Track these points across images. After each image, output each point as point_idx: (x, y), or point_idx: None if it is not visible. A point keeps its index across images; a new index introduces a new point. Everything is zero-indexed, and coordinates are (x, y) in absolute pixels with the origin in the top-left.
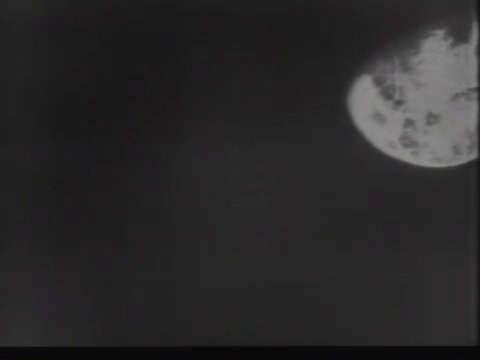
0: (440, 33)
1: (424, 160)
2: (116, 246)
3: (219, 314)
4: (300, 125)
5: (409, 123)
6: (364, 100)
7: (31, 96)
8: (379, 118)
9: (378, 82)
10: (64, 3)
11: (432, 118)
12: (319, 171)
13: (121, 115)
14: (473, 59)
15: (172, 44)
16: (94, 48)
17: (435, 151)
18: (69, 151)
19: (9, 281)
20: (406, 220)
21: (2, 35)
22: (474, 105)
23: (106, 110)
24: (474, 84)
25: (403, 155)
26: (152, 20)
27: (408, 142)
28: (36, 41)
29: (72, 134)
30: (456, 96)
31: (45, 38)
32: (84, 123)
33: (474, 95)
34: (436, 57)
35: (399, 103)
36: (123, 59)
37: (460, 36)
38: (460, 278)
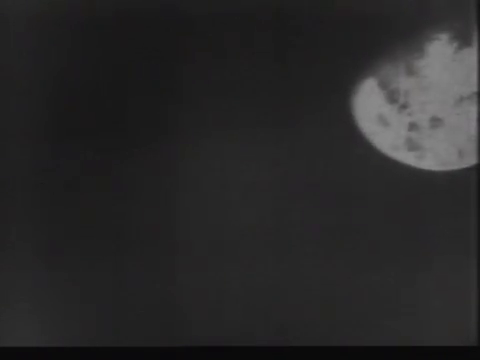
0: (445, 37)
1: (428, 164)
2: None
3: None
4: (302, 127)
5: (413, 127)
6: (369, 104)
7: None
8: (383, 122)
9: (383, 86)
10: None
11: (436, 122)
12: (320, 173)
13: (121, 115)
14: (476, 63)
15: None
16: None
17: (439, 155)
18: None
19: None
20: (408, 222)
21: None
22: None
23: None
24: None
25: (407, 159)
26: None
27: (412, 146)
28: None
29: (73, 132)
30: (461, 100)
31: (45, 35)
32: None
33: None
34: (441, 61)
35: (404, 107)
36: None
37: (465, 40)
38: (460, 278)
